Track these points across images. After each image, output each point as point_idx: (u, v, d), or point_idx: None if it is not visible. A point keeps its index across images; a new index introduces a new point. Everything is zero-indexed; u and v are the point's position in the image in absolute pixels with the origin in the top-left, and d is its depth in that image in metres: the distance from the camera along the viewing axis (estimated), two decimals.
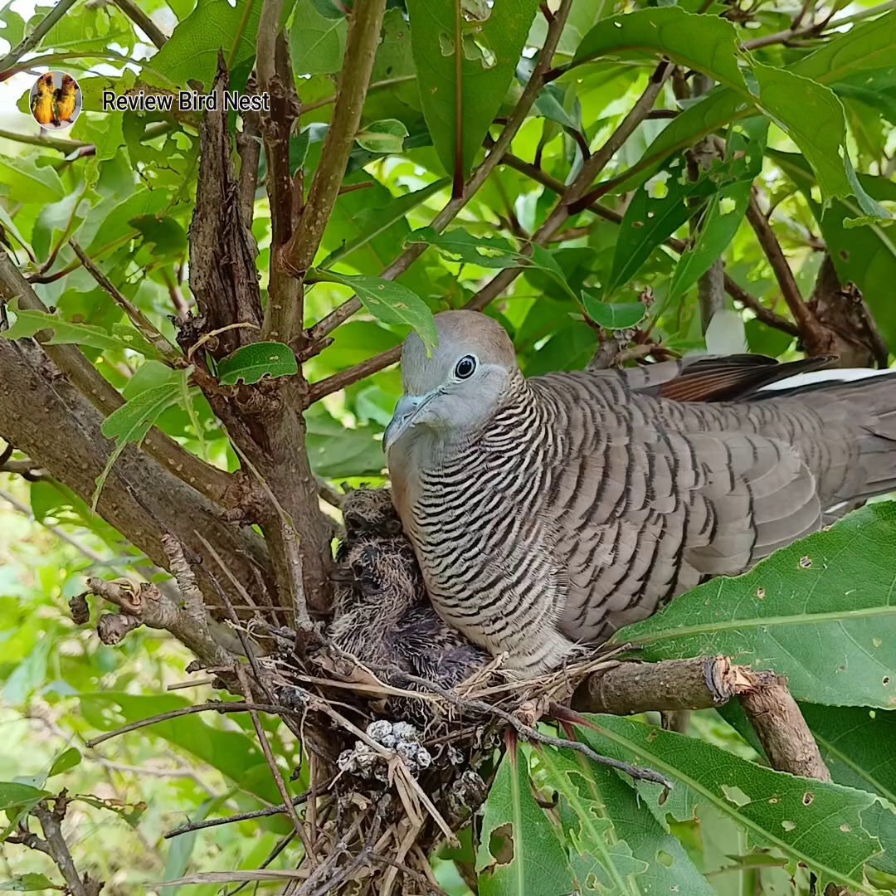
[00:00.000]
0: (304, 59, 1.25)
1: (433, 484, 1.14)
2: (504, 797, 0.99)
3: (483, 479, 1.12)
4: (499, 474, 1.12)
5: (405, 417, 1.08)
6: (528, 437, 1.14)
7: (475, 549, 1.12)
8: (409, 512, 1.17)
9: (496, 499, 1.12)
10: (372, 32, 0.82)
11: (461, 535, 1.12)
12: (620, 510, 1.13)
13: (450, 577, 1.14)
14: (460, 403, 1.11)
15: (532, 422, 1.14)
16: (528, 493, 1.12)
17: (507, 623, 1.13)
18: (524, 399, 1.15)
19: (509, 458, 1.12)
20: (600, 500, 1.13)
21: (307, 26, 1.24)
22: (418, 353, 1.08)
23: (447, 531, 1.13)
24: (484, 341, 1.10)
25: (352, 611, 1.21)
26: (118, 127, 1.23)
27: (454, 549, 1.13)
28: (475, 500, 1.12)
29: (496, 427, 1.13)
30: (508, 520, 1.11)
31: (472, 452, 1.13)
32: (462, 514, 1.12)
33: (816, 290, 1.71)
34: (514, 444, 1.13)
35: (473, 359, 1.09)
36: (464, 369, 1.09)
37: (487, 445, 1.13)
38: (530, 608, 1.12)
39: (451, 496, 1.13)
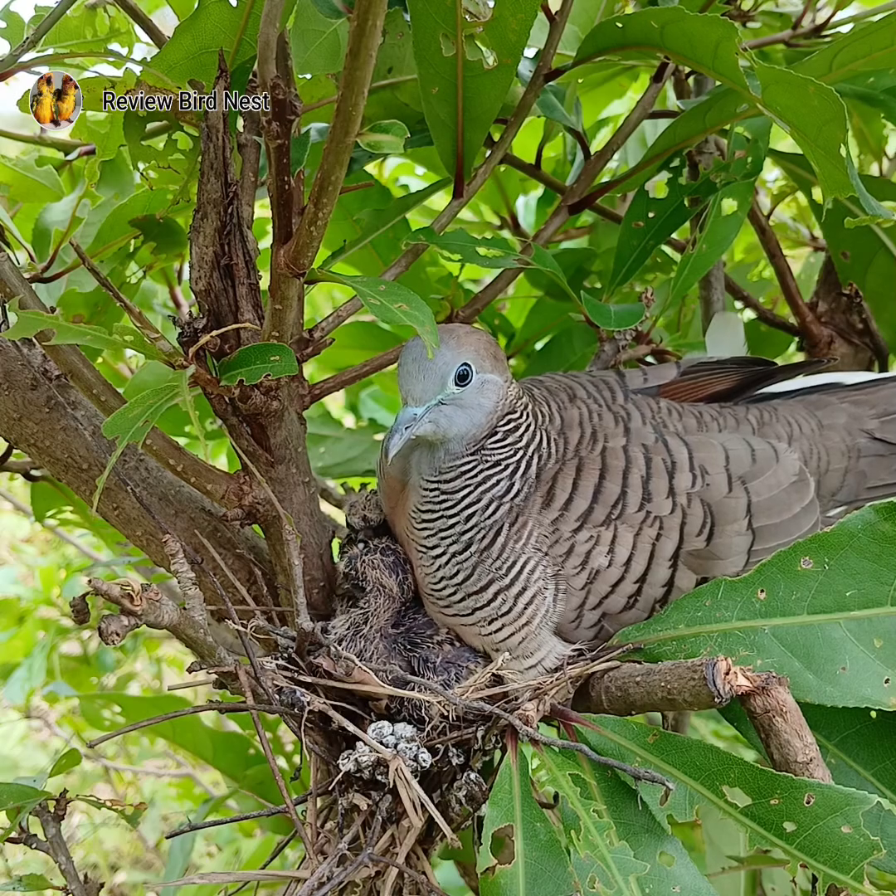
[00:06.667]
0: (305, 59, 1.25)
1: (432, 490, 1.14)
2: (505, 798, 0.99)
3: (481, 488, 1.12)
4: (497, 482, 1.12)
5: (406, 428, 1.08)
6: (524, 443, 1.14)
7: (466, 553, 1.12)
8: (407, 516, 1.17)
9: (493, 506, 1.12)
10: (373, 33, 0.82)
11: (456, 541, 1.12)
12: (616, 512, 1.13)
13: (441, 579, 1.14)
14: (459, 413, 1.11)
15: (528, 426, 1.15)
16: (524, 496, 1.12)
17: (503, 624, 1.12)
18: (521, 404, 1.15)
19: (507, 466, 1.13)
20: (596, 503, 1.13)
21: (308, 26, 1.24)
22: (415, 365, 1.08)
23: (443, 536, 1.13)
24: (480, 351, 1.11)
25: (345, 614, 1.21)
26: (119, 126, 1.23)
27: (445, 553, 1.13)
28: (472, 509, 1.12)
29: (496, 434, 1.13)
30: (502, 524, 1.12)
31: (472, 461, 1.13)
32: (457, 523, 1.12)
33: (817, 290, 1.70)
34: (512, 451, 1.13)
35: (470, 367, 1.10)
36: (462, 378, 1.10)
37: (488, 454, 1.13)
38: (526, 609, 1.11)
39: (447, 504, 1.13)
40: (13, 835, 1.24)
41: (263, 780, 1.98)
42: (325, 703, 1.13)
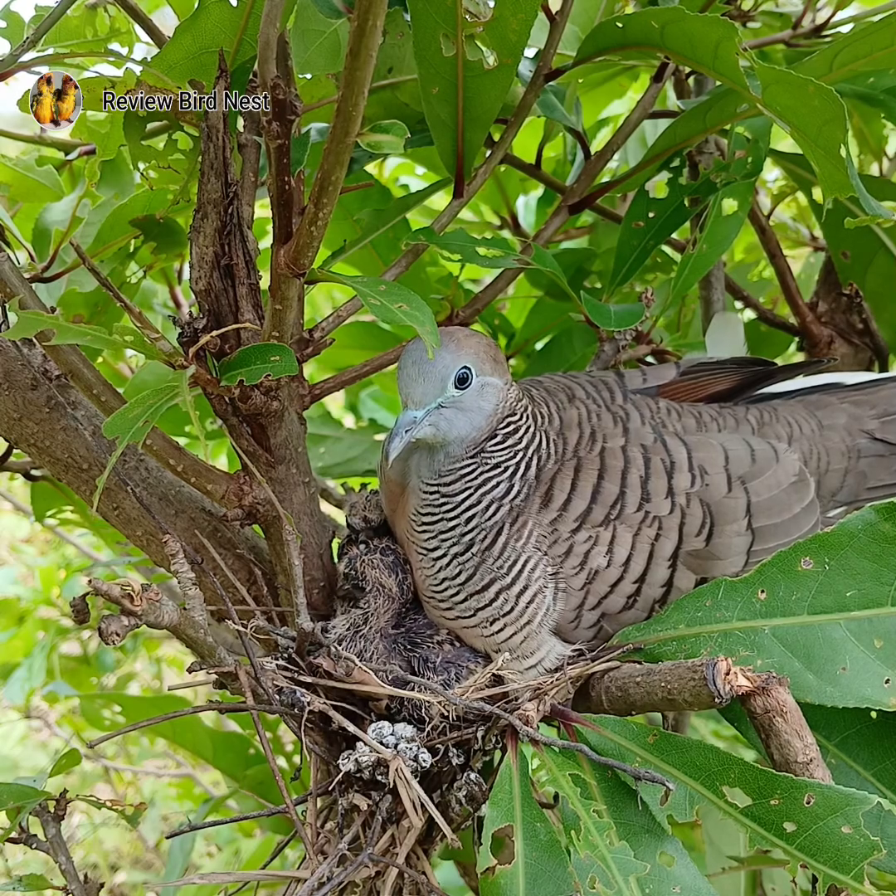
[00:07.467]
0: (305, 59, 1.25)
1: (431, 493, 1.14)
2: (505, 798, 0.99)
3: (481, 490, 1.12)
4: (496, 484, 1.12)
5: (407, 432, 1.08)
6: (523, 445, 1.14)
7: (468, 553, 1.12)
8: (407, 519, 1.17)
9: (493, 507, 1.12)
10: (374, 33, 0.82)
11: (457, 543, 1.13)
12: (615, 512, 1.13)
13: (443, 580, 1.14)
14: (460, 416, 1.11)
15: (528, 428, 1.15)
16: (523, 496, 1.13)
17: (505, 624, 1.12)
18: (521, 406, 1.15)
19: (506, 468, 1.13)
20: (595, 503, 1.13)
21: (308, 26, 1.24)
22: (416, 368, 1.08)
23: (443, 539, 1.13)
24: (479, 354, 1.11)
25: (345, 615, 1.21)
26: (119, 126, 1.23)
27: (446, 554, 1.13)
28: (472, 511, 1.12)
29: (496, 436, 1.13)
30: (502, 524, 1.12)
31: (471, 464, 1.13)
32: (457, 525, 1.12)
33: (817, 290, 1.70)
34: (511, 454, 1.13)
35: (470, 370, 1.10)
36: (462, 381, 1.10)
37: (487, 457, 1.13)
38: (527, 608, 1.11)
39: (447, 507, 1.13)
40: (13, 835, 1.24)
41: (263, 780, 1.98)
42: (325, 703, 1.12)
